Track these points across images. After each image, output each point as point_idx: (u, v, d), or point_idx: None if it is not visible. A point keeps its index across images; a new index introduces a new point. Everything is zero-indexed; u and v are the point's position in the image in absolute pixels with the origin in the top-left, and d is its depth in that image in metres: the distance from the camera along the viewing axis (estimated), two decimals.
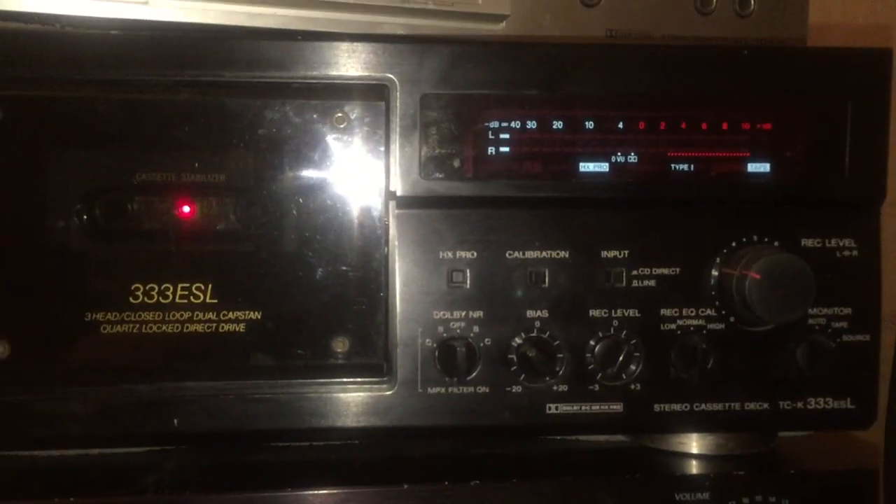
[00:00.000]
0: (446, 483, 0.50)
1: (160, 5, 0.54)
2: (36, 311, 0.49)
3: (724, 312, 0.52)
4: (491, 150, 0.51)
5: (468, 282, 0.51)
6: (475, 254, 0.51)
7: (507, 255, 0.52)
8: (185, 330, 0.50)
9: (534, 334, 0.51)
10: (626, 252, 0.52)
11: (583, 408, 0.52)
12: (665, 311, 0.52)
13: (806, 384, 0.53)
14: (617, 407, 0.52)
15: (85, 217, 0.49)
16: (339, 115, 0.50)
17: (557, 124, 0.52)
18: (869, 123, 0.52)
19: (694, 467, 0.54)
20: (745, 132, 0.52)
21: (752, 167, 0.52)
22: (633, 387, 0.52)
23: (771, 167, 0.52)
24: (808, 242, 0.52)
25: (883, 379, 0.55)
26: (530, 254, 0.52)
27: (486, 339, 0.51)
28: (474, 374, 0.51)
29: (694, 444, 0.56)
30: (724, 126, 0.52)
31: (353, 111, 0.50)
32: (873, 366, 0.53)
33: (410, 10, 0.57)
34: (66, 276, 0.49)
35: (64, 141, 0.49)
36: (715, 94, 0.52)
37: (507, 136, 0.51)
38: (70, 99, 0.48)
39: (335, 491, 0.49)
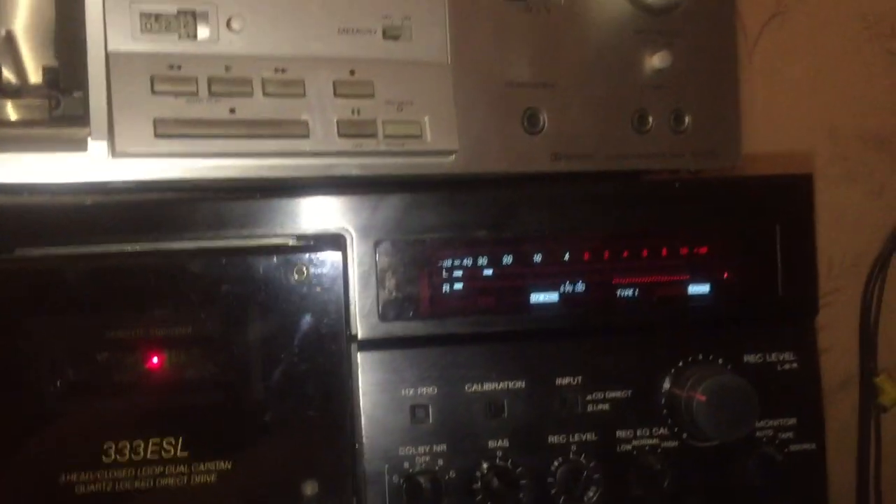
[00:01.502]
0: None
1: (122, 165, 0.56)
2: (11, 477, 0.50)
3: (676, 430, 0.55)
4: (445, 288, 0.54)
5: (430, 417, 0.53)
6: (436, 389, 0.54)
7: (466, 388, 0.54)
8: (157, 485, 0.51)
9: (496, 463, 0.53)
10: (580, 378, 0.54)
11: None
12: (620, 433, 0.55)
13: (759, 495, 0.55)
14: None
15: (57, 380, 0.50)
16: (299, 266, 0.52)
17: (507, 259, 0.55)
18: (797, 244, 0.55)
19: None
20: (683, 257, 0.56)
21: (693, 289, 0.56)
22: None
23: (710, 289, 0.56)
24: (749, 358, 0.55)
25: None
26: (488, 385, 0.54)
27: (451, 472, 0.53)
28: None
29: None
30: (664, 252, 0.56)
31: (312, 263, 0.53)
32: (822, 473, 0.55)
33: (363, 152, 0.60)
34: (40, 440, 0.50)
35: (34, 309, 0.51)
36: (652, 224, 0.56)
37: (460, 273, 0.54)
38: (39, 270, 0.50)
39: None
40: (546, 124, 0.65)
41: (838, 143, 0.97)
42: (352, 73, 0.58)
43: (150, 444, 0.51)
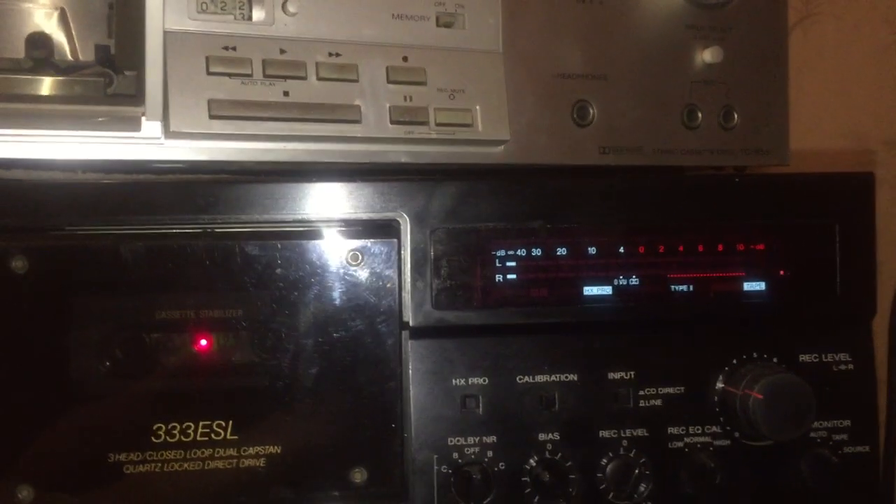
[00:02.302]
0: None
1: (175, 145, 0.56)
2: (60, 455, 0.50)
3: (728, 428, 0.54)
4: (499, 278, 0.53)
5: (481, 407, 0.53)
6: (487, 380, 0.53)
7: (517, 379, 0.53)
8: (206, 467, 0.51)
9: (546, 457, 0.53)
10: (633, 373, 0.54)
11: None
12: (672, 430, 0.54)
13: (811, 496, 0.54)
14: None
15: (107, 359, 0.50)
16: (353, 252, 0.52)
17: (561, 251, 0.54)
18: (856, 244, 0.55)
19: None
20: (740, 253, 0.55)
21: (748, 286, 0.55)
22: None
23: (766, 286, 0.55)
24: (805, 358, 0.55)
25: None
26: (540, 378, 0.53)
27: (500, 464, 0.53)
28: (489, 498, 0.52)
29: None
30: (720, 248, 0.55)
31: (366, 248, 0.52)
32: (875, 475, 0.55)
33: (414, 139, 0.60)
34: (91, 418, 0.50)
35: (87, 287, 0.50)
36: (709, 219, 0.55)
37: (513, 263, 0.54)
38: (91, 247, 0.50)
39: None
40: (595, 117, 0.65)
41: (863, 148, 0.96)
42: (405, 59, 0.58)
43: (201, 426, 0.50)
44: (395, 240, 0.52)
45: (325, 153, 0.59)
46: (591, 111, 0.64)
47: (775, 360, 0.54)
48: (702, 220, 0.55)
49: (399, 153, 0.60)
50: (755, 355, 0.54)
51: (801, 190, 0.55)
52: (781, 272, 0.55)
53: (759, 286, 0.55)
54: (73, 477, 0.50)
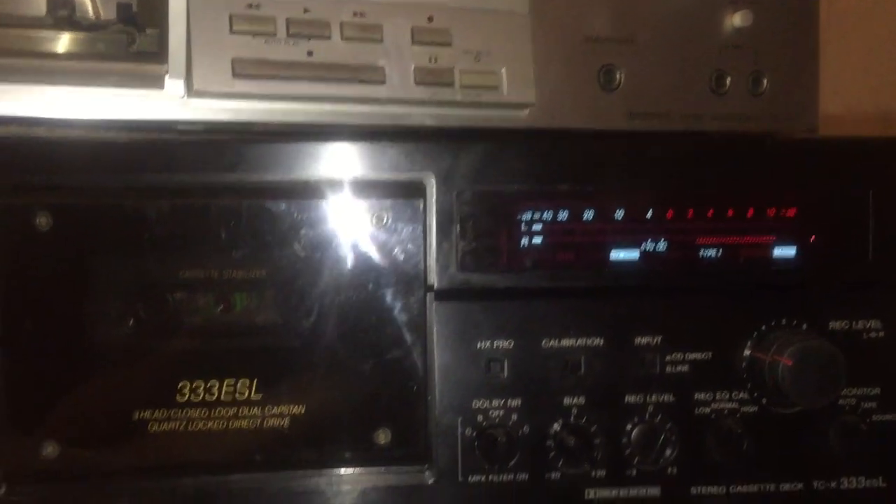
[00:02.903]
0: None
1: (198, 104, 0.55)
2: (85, 412, 0.50)
3: (756, 395, 0.53)
4: (525, 241, 0.53)
5: (506, 371, 0.53)
6: (512, 343, 0.53)
7: (542, 343, 0.53)
8: (230, 426, 0.50)
9: (571, 421, 0.52)
10: (659, 338, 0.53)
11: (621, 492, 0.53)
12: (699, 396, 0.53)
13: (839, 464, 0.54)
14: (654, 490, 0.53)
15: (131, 317, 0.50)
16: (379, 212, 0.51)
17: (588, 215, 0.53)
18: (890, 210, 0.54)
19: None
20: (770, 218, 0.54)
21: (779, 252, 0.54)
22: (669, 470, 0.53)
23: (797, 251, 0.54)
24: (835, 324, 0.54)
25: None
26: (566, 342, 0.53)
27: (525, 427, 0.52)
28: (513, 461, 0.52)
29: None
30: (750, 213, 0.54)
31: (392, 208, 0.52)
32: None
33: (439, 101, 0.59)
34: (115, 377, 0.50)
35: (110, 245, 0.50)
36: (739, 183, 0.54)
37: (540, 227, 0.53)
38: (115, 205, 0.50)
39: None
40: (622, 82, 0.64)
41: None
42: (430, 19, 0.57)
43: (225, 385, 0.50)
44: (421, 200, 0.52)
45: (348, 115, 0.58)
46: (618, 75, 0.63)
47: (805, 326, 0.53)
48: (732, 183, 0.54)
49: (423, 115, 0.60)
50: (784, 322, 0.54)
51: (834, 155, 0.54)
52: (812, 238, 0.54)
53: (790, 252, 0.54)
54: (97, 434, 0.50)
